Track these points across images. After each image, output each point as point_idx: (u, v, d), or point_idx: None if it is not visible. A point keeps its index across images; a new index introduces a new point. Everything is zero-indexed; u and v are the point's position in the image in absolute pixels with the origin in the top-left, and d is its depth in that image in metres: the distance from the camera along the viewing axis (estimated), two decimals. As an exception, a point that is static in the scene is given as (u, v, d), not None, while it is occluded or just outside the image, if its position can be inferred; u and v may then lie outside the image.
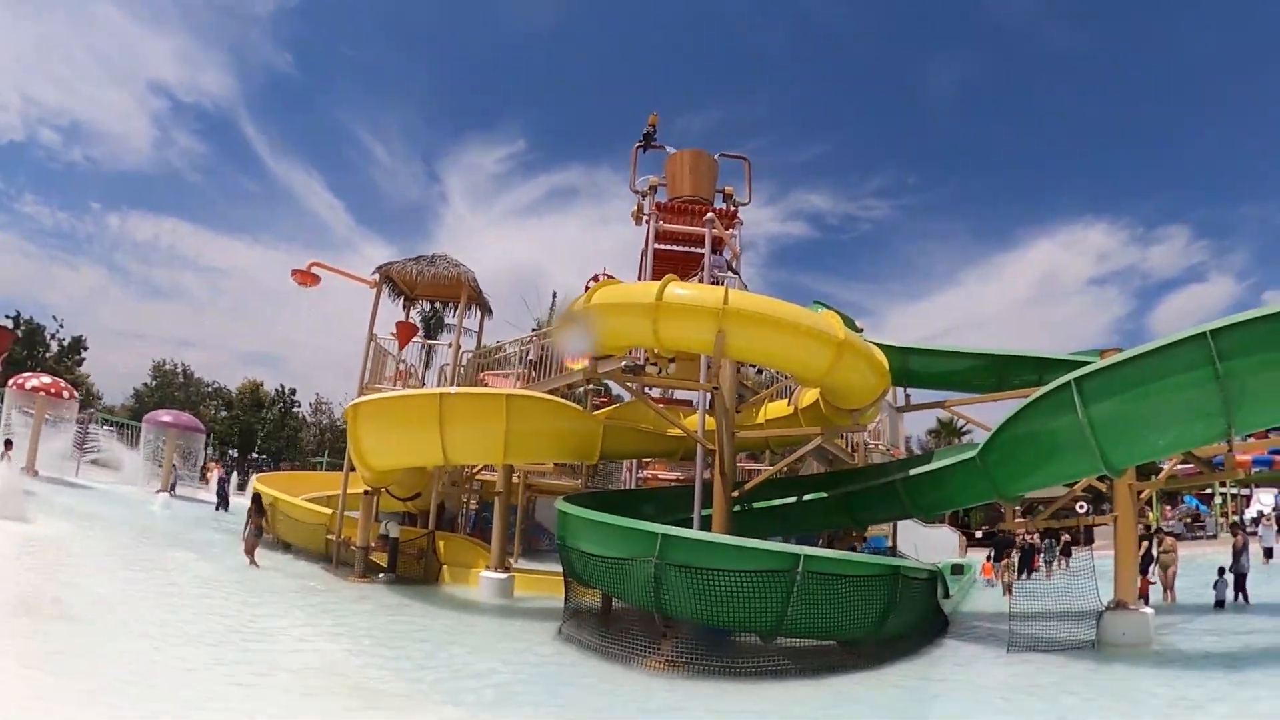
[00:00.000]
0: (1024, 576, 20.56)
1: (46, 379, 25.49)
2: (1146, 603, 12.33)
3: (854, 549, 17.33)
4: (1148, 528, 20.11)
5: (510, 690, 7.96)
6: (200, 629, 8.74)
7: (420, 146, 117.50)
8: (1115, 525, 11.71)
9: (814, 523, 16.22)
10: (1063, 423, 10.28)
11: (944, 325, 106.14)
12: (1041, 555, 22.68)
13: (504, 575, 14.40)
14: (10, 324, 43.33)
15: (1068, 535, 25.20)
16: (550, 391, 15.15)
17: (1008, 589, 17.71)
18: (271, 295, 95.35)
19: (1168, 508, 33.79)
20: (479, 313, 19.62)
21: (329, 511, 17.76)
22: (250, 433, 54.77)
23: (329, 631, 10.21)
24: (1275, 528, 21.58)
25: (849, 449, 18.17)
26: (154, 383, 58.05)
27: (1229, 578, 14.41)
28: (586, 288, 14.60)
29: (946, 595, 14.33)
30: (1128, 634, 10.64)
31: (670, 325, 11.25)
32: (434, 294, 20.03)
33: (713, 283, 14.65)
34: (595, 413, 17.72)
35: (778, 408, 16.89)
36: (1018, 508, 13.57)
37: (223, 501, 25.37)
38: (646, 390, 14.43)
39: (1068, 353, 14.48)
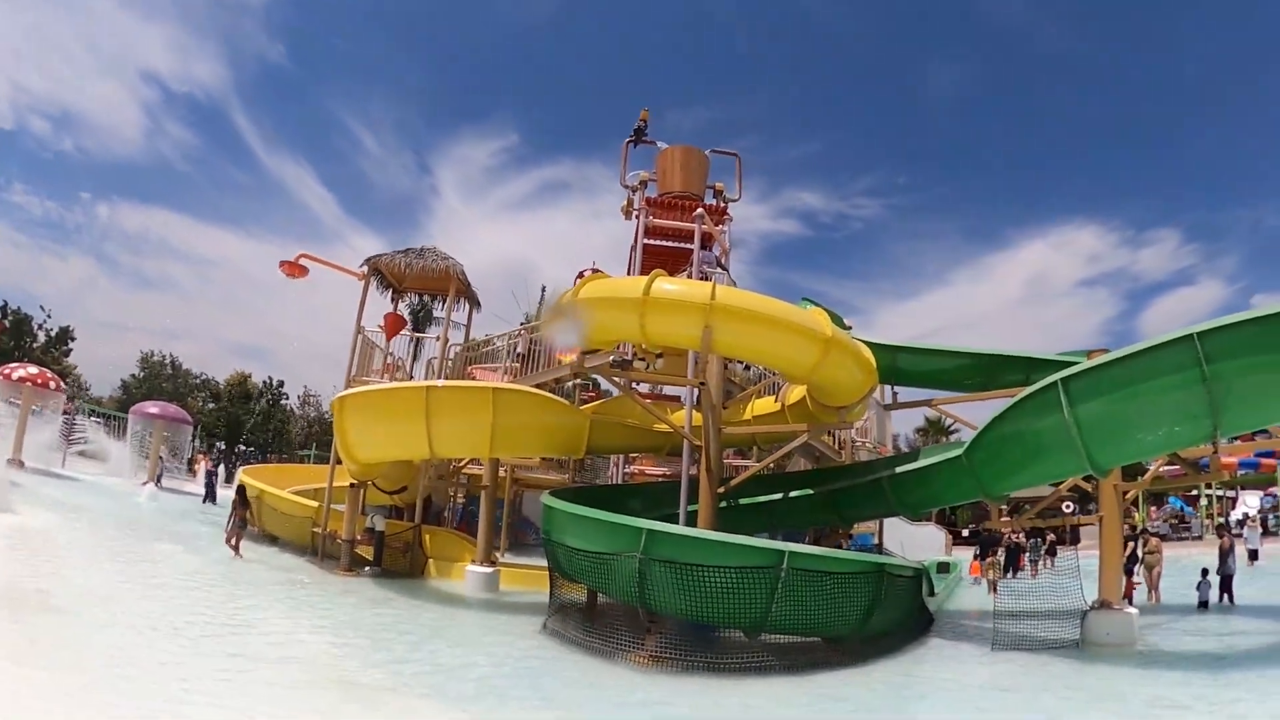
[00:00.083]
0: (1010, 575, 20.70)
1: (33, 369, 25.17)
2: (1131, 603, 12.40)
3: (841, 546, 17.35)
4: (1133, 528, 20.25)
5: (492, 684, 7.94)
6: (185, 621, 8.69)
7: (412, 139, 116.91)
8: (1101, 525, 11.76)
9: (800, 519, 16.23)
10: (1049, 422, 10.31)
11: (934, 324, 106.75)
12: (1027, 554, 22.85)
13: (490, 569, 14.34)
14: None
15: (1053, 535, 25.37)
16: (538, 385, 15.10)
17: (993, 587, 17.80)
18: (261, 287, 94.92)
19: (1153, 508, 34.04)
20: (467, 306, 19.60)
21: (315, 504, 17.70)
22: (238, 425, 54.40)
23: (313, 624, 10.21)
24: (1260, 530, 21.82)
25: (836, 446, 18.16)
26: (142, 374, 57.41)
27: (1213, 579, 14.52)
28: (575, 282, 14.54)
29: (932, 593, 14.36)
30: (1112, 634, 10.70)
31: (657, 320, 11.21)
32: (423, 286, 19.92)
33: (701, 278, 14.60)
34: (582, 407, 17.69)
35: (765, 404, 16.90)
36: (1004, 506, 13.59)
37: (209, 494, 25.24)
38: (634, 385, 14.38)
39: (1056, 353, 14.53)
